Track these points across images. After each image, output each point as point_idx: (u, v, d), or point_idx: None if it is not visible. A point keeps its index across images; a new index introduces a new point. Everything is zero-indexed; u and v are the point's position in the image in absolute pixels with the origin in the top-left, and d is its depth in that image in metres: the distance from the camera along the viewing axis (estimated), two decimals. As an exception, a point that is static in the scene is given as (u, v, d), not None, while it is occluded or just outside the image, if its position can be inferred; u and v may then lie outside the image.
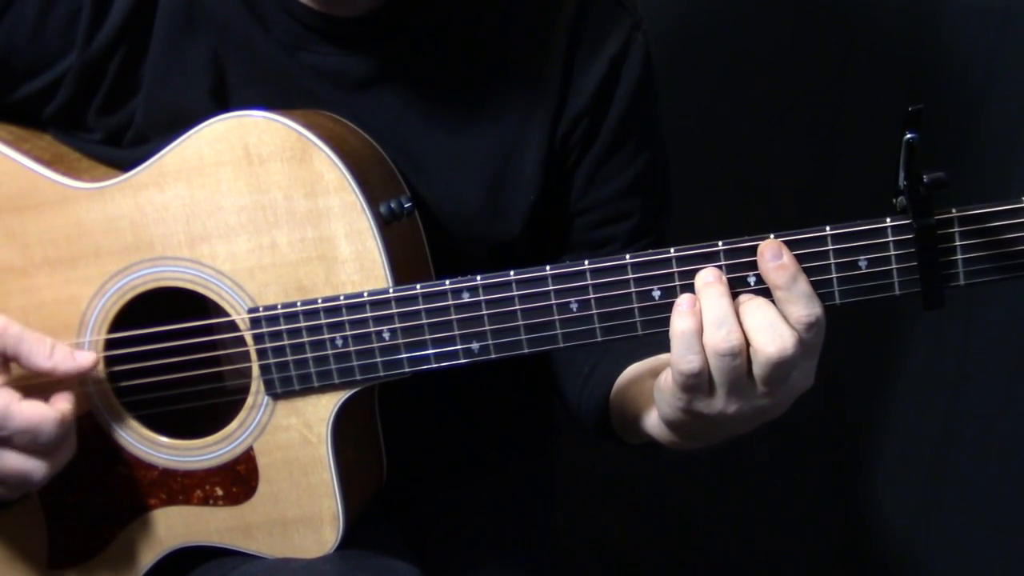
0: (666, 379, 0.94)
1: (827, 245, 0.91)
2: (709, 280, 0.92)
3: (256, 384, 1.04)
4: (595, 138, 1.17)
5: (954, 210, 0.90)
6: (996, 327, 1.67)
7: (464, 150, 1.14)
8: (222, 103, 1.11)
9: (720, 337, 0.90)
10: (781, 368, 0.89)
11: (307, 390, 1.03)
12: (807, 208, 1.68)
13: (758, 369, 0.90)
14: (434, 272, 1.10)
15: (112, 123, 1.13)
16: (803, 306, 0.90)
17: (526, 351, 0.98)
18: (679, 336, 0.91)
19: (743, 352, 0.90)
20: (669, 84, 1.25)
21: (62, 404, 1.01)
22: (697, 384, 0.91)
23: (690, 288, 0.93)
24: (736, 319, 0.90)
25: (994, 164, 1.61)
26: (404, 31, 1.12)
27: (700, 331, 0.90)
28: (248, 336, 1.03)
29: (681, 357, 0.91)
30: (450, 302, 0.98)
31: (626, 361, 1.11)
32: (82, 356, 1.04)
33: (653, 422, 1.01)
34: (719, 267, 0.93)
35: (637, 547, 1.92)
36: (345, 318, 1.01)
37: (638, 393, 1.06)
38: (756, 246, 0.92)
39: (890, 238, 0.91)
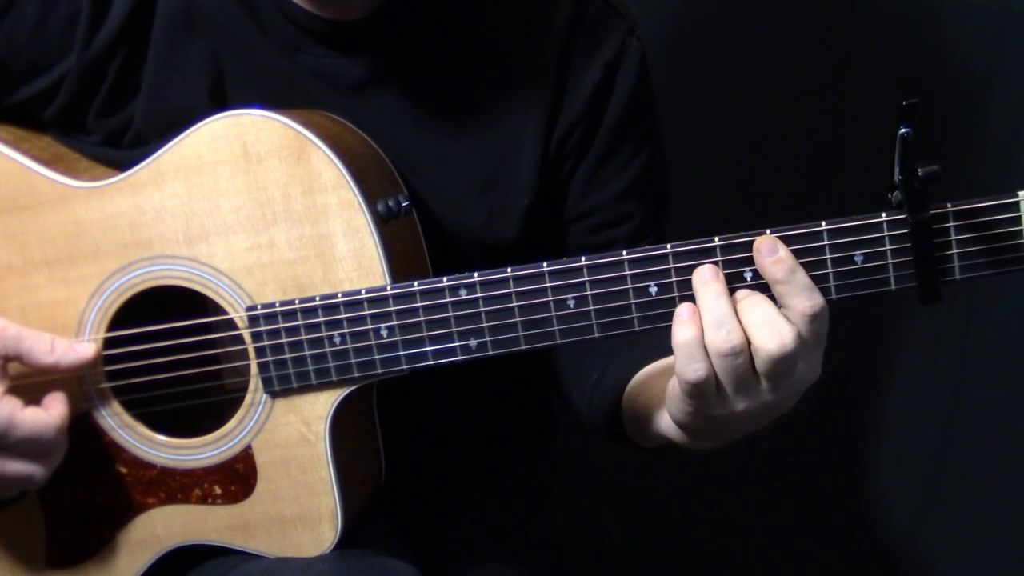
0: (674, 386, 0.94)
1: (823, 240, 0.91)
2: (706, 280, 0.92)
3: (254, 382, 1.04)
4: (591, 143, 1.17)
5: (949, 204, 0.90)
6: (996, 327, 1.67)
7: (459, 154, 1.15)
8: (220, 104, 1.11)
9: (721, 337, 0.89)
10: (783, 363, 0.89)
11: (305, 388, 1.04)
12: (804, 205, 1.67)
13: (760, 366, 0.90)
14: (432, 271, 1.10)
15: (111, 125, 1.13)
16: (805, 298, 0.90)
17: (523, 348, 0.98)
18: (682, 346, 0.91)
19: (745, 350, 0.89)
20: (666, 80, 1.25)
21: (58, 407, 1.03)
22: (704, 391, 0.91)
23: (687, 284, 0.93)
24: (735, 318, 0.90)
25: (993, 164, 1.61)
26: (400, 35, 1.12)
27: (702, 338, 0.90)
28: (246, 334, 1.03)
29: (686, 367, 0.90)
30: (447, 299, 0.98)
31: (635, 366, 1.11)
32: (82, 348, 1.05)
33: (667, 424, 1.01)
34: (715, 263, 0.93)
35: (637, 547, 1.92)
36: (343, 316, 1.01)
37: (651, 397, 1.06)
38: (752, 242, 0.92)
39: (885, 233, 0.91)
